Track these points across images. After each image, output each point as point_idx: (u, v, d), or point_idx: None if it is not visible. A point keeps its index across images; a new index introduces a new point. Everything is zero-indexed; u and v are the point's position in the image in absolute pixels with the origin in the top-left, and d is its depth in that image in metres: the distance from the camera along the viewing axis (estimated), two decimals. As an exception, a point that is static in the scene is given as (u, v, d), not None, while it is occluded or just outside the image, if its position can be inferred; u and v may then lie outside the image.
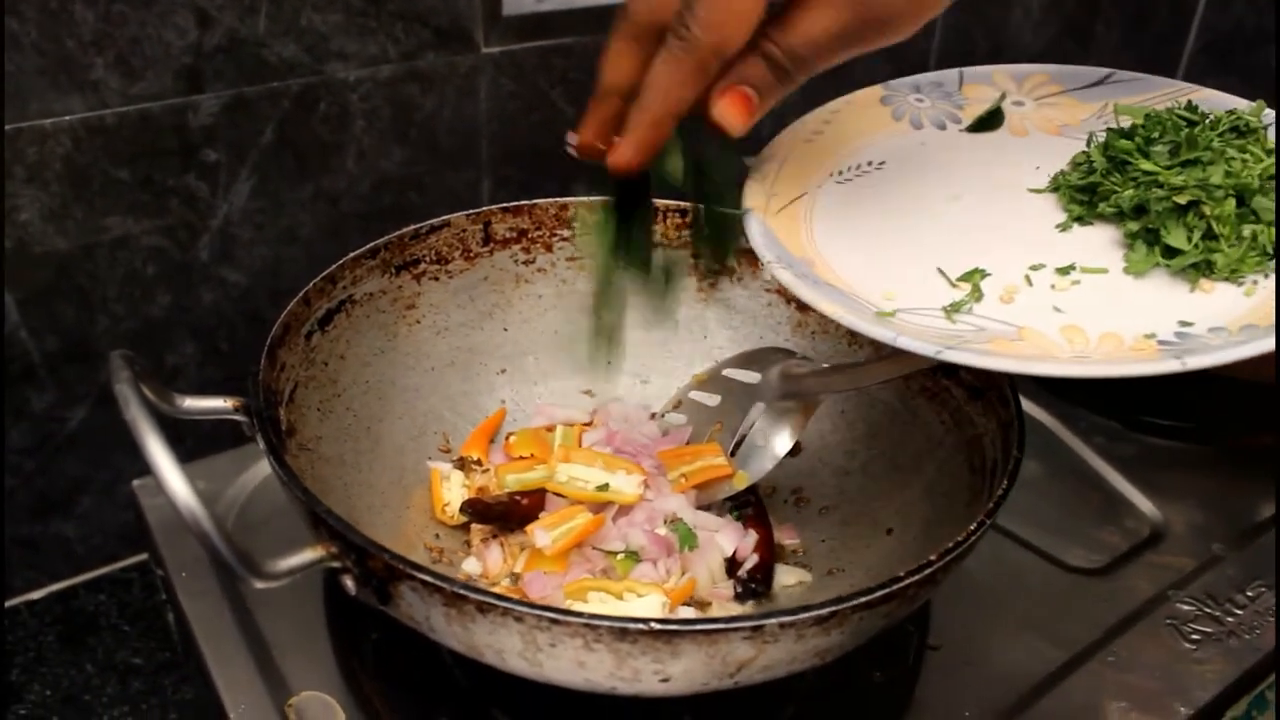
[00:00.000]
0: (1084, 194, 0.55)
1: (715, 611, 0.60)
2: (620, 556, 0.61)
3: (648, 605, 0.57)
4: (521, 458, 0.68)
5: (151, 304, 0.77)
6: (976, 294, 0.51)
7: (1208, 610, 0.67)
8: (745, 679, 0.47)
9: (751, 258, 0.73)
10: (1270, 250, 0.50)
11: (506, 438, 0.71)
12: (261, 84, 0.75)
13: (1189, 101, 0.58)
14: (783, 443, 0.66)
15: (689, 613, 0.59)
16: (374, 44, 0.78)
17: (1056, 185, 0.57)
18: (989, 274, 0.52)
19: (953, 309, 0.50)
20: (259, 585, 0.46)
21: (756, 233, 0.54)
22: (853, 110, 0.63)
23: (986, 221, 0.56)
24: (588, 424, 0.73)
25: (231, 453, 0.74)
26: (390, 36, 0.78)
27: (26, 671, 0.80)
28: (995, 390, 0.60)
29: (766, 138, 0.61)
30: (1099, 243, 0.53)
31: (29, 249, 0.71)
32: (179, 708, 0.80)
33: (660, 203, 0.73)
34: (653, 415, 0.73)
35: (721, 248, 0.63)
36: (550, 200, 0.73)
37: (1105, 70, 0.63)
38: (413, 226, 0.69)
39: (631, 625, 0.43)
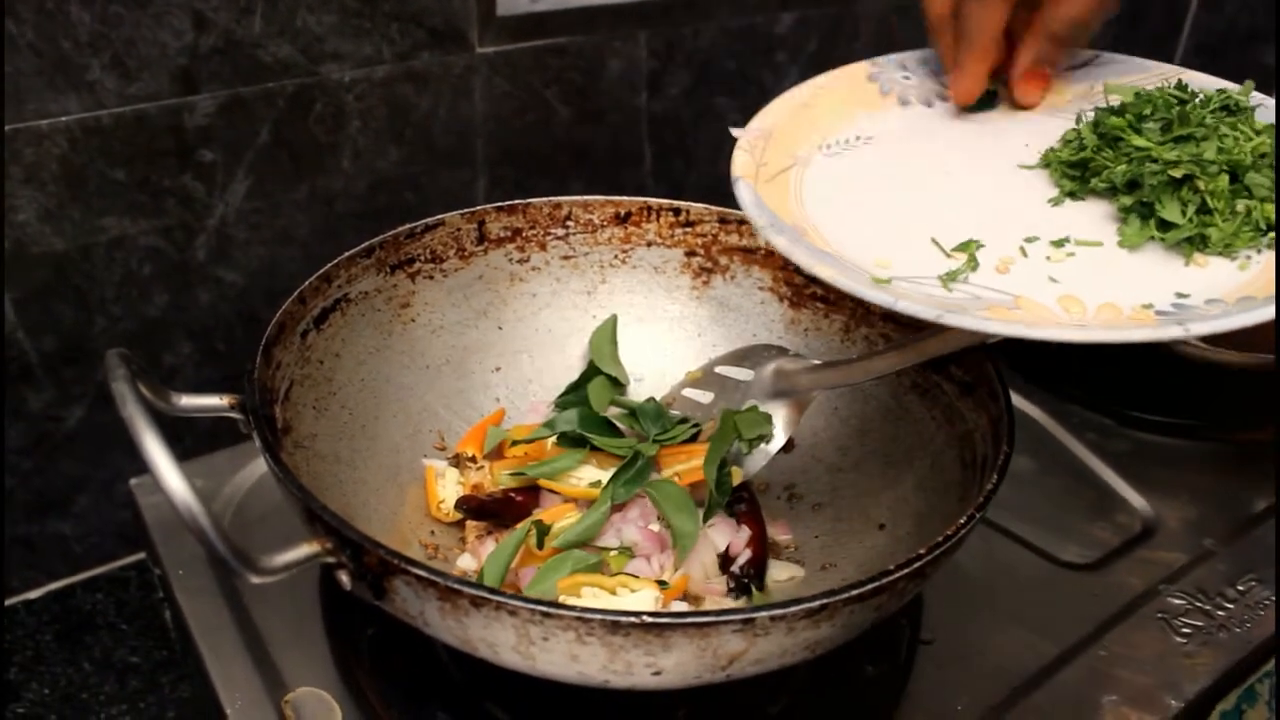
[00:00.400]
0: (1075, 169, 0.56)
1: (708, 606, 0.61)
2: (614, 552, 0.61)
3: (640, 600, 0.57)
4: (515, 456, 0.69)
5: (148, 304, 0.78)
6: (972, 263, 0.51)
7: (1199, 604, 0.68)
8: (737, 672, 0.48)
9: (744, 255, 0.74)
10: (1264, 226, 0.50)
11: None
12: (257, 85, 0.75)
13: (1179, 80, 0.58)
14: (775, 439, 0.66)
15: (682, 608, 0.60)
16: (369, 44, 0.78)
17: (1047, 161, 0.57)
18: (983, 245, 0.52)
19: (949, 278, 0.50)
20: (255, 580, 0.46)
21: (748, 199, 0.54)
22: (840, 85, 0.63)
23: (978, 195, 0.56)
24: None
25: (227, 451, 0.75)
26: (385, 37, 0.78)
27: (24, 670, 0.80)
28: (986, 386, 0.60)
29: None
30: (1091, 217, 0.54)
31: (26, 249, 0.71)
32: (176, 705, 0.81)
33: (655, 202, 0.73)
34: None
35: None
36: (544, 199, 0.73)
37: (1092, 52, 0.64)
38: (407, 226, 0.69)
39: (624, 618, 0.44)
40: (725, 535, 0.63)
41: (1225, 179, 0.51)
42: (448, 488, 0.67)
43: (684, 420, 0.69)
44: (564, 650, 0.46)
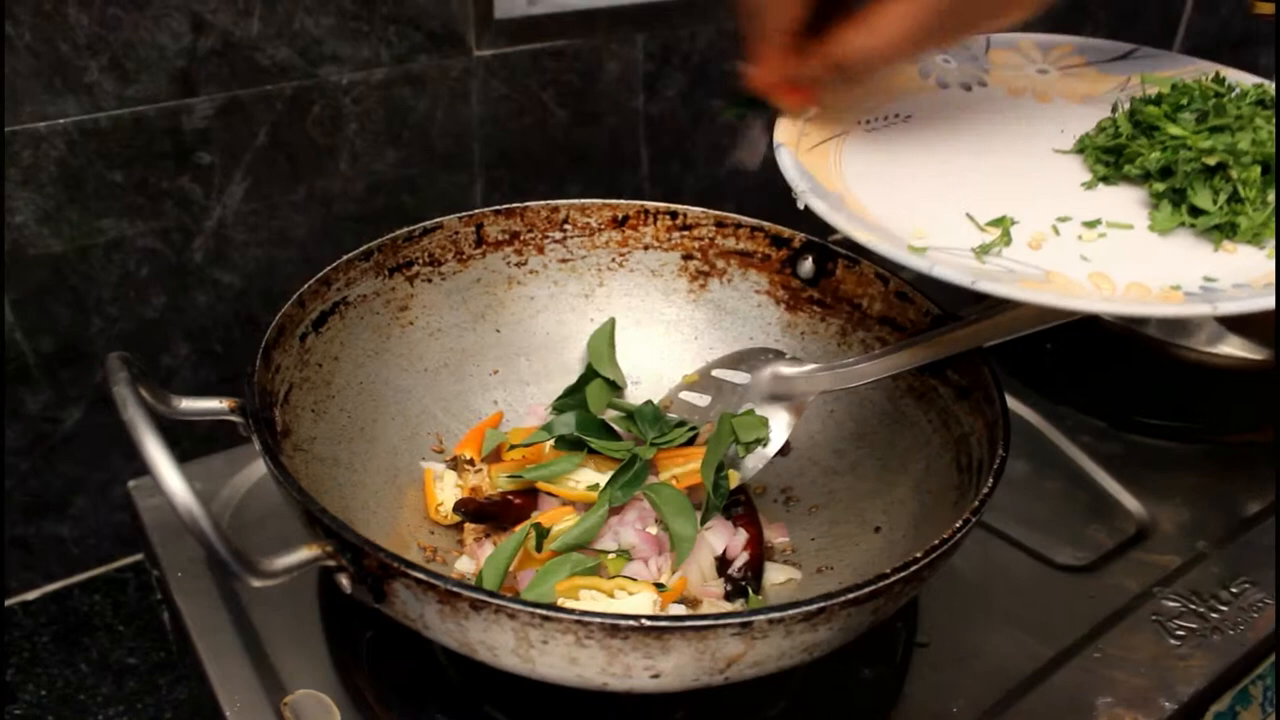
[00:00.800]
0: (1109, 155, 0.57)
1: (705, 609, 0.61)
2: (611, 555, 0.61)
3: (639, 603, 0.57)
4: (513, 459, 0.69)
5: (146, 306, 0.78)
6: (1006, 238, 0.52)
7: (1193, 607, 0.68)
8: (735, 675, 0.48)
9: (741, 259, 0.74)
10: None
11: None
12: (255, 87, 0.75)
13: (1217, 73, 0.59)
14: (772, 443, 0.67)
15: (680, 611, 0.60)
16: (367, 47, 0.78)
17: (1082, 146, 0.58)
18: (1017, 222, 0.53)
19: (982, 250, 0.51)
20: (256, 584, 0.46)
21: (789, 165, 0.55)
22: None
23: (1012, 176, 0.57)
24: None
25: (225, 453, 0.75)
26: (383, 40, 0.79)
27: (22, 672, 0.80)
28: (982, 390, 0.61)
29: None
30: (1123, 201, 0.55)
31: (24, 251, 0.71)
32: (174, 707, 0.81)
33: (652, 205, 0.74)
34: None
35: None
36: (542, 203, 0.73)
37: (1130, 45, 0.65)
38: (406, 229, 0.69)
39: (623, 622, 0.44)
40: (722, 538, 0.64)
41: (1258, 169, 0.52)
42: (446, 490, 0.67)
43: (681, 423, 0.69)
44: (563, 653, 0.46)
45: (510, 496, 0.65)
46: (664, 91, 0.95)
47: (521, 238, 0.74)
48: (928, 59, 0.65)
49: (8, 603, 0.83)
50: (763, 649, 0.47)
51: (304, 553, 0.48)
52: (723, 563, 0.63)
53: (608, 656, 0.46)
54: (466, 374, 0.73)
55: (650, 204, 0.74)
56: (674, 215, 0.74)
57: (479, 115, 0.86)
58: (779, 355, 0.70)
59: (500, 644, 0.47)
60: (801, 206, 0.54)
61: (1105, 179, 0.56)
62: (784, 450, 0.69)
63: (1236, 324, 0.82)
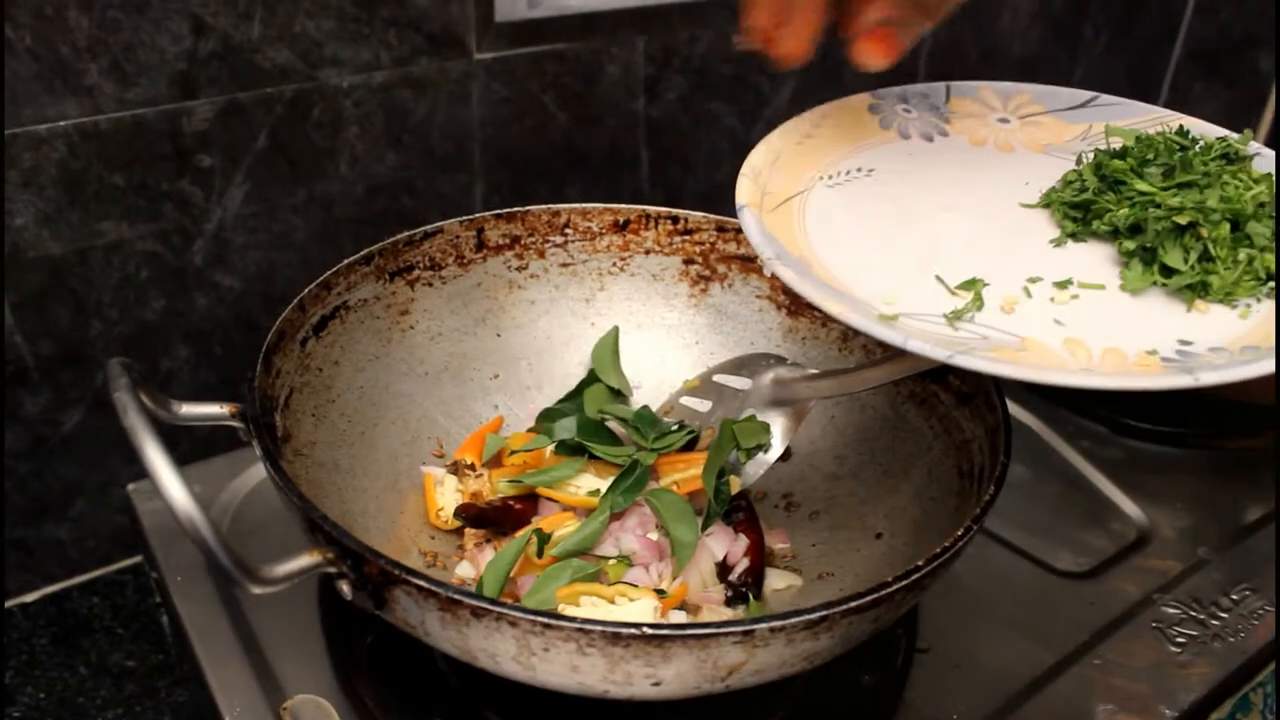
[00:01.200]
0: (1077, 210, 0.56)
1: (706, 616, 0.61)
2: (612, 561, 0.61)
3: (639, 609, 0.57)
4: (514, 463, 0.69)
5: (145, 308, 0.78)
6: (978, 302, 0.51)
7: (1193, 614, 0.68)
8: (736, 682, 0.48)
9: (742, 263, 0.74)
10: (1264, 275, 0.51)
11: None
12: (255, 90, 0.75)
13: (1180, 126, 0.59)
14: (773, 448, 0.66)
15: (680, 617, 0.60)
16: (367, 50, 0.78)
17: (1048, 201, 0.57)
18: (988, 284, 0.52)
19: (955, 316, 0.50)
20: (257, 591, 0.46)
21: (754, 229, 0.54)
22: (841, 116, 0.63)
23: (980, 233, 0.56)
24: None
25: (223, 457, 0.75)
26: (383, 43, 0.78)
27: (20, 674, 0.80)
28: (983, 396, 0.61)
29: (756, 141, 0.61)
30: (1093, 259, 0.54)
31: (23, 253, 0.71)
32: (172, 710, 0.81)
33: (653, 210, 0.74)
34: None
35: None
36: (543, 207, 0.73)
37: (1089, 94, 0.64)
38: (406, 233, 0.69)
39: (624, 630, 0.44)
40: (723, 544, 0.64)
41: (1227, 227, 0.51)
42: (446, 495, 0.67)
43: (680, 426, 0.69)
44: (564, 661, 0.46)
45: (511, 501, 0.65)
46: (664, 94, 0.95)
47: (522, 242, 0.74)
48: (888, 109, 0.64)
49: (6, 604, 0.83)
50: (764, 657, 0.47)
51: (304, 559, 0.48)
52: (723, 568, 0.63)
53: (609, 664, 0.46)
54: (467, 378, 0.73)
55: (652, 208, 0.74)
56: (675, 220, 0.74)
57: (479, 118, 0.86)
58: (780, 360, 0.70)
59: (501, 651, 0.47)
60: (769, 274, 0.53)
61: (1074, 235, 0.55)
62: (785, 456, 0.69)
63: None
